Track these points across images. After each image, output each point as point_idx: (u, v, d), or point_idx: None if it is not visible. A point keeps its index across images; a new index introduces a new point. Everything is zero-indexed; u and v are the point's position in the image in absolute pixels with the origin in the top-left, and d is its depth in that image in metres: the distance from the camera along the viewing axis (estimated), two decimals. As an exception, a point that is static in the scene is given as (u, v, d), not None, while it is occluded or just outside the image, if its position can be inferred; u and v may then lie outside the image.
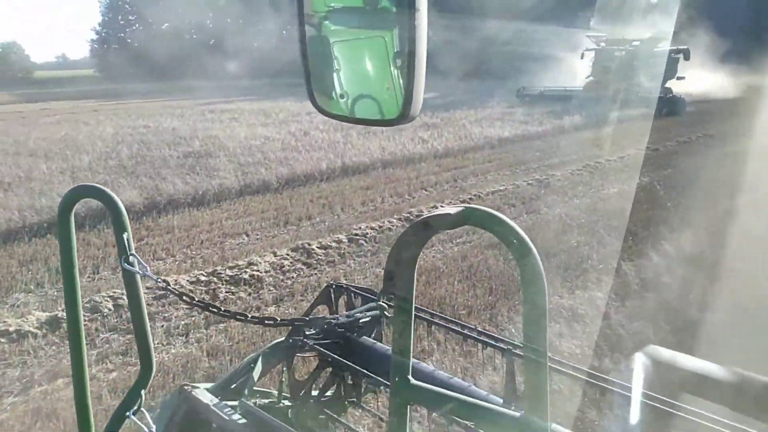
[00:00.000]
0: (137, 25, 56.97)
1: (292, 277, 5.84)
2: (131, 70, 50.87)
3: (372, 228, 7.29)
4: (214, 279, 5.73)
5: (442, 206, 8.30)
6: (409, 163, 11.72)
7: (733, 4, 40.35)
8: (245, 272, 5.83)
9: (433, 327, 1.86)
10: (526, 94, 22.63)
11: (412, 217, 7.77)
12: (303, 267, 6.08)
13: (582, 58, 23.23)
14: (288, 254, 6.33)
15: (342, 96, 1.18)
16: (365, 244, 6.82)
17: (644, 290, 4.88)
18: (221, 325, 4.92)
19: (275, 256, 6.29)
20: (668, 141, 13.82)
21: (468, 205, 0.82)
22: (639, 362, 1.02)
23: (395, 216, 7.85)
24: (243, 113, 21.03)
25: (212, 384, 1.75)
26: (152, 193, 8.68)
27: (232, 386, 1.72)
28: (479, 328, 1.77)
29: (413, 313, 0.87)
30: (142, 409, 1.46)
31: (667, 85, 21.14)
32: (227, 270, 5.89)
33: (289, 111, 21.37)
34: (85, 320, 4.21)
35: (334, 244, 6.69)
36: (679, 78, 21.83)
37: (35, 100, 32.82)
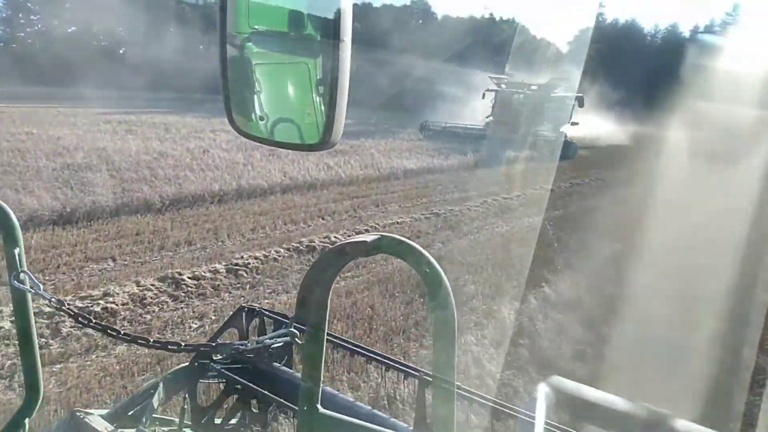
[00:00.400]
0: (39, 26, 53.07)
1: (153, 312, 5.24)
2: (30, 72, 47.46)
3: (256, 258, 6.82)
4: (60, 312, 5.01)
5: (337, 237, 7.98)
6: (311, 190, 11.36)
7: (636, 58, 43.93)
8: (98, 304, 5.17)
9: (345, 353, 1.89)
10: (430, 128, 22.95)
11: (302, 247, 7.38)
12: (168, 300, 5.49)
13: (483, 98, 23.90)
14: (153, 284, 5.72)
15: (262, 118, 1.16)
16: (245, 275, 6.34)
17: (519, 336, 4.76)
18: (56, 366, 4.27)
19: (138, 286, 5.66)
20: (563, 182, 14.38)
21: (383, 234, 0.83)
22: (542, 392, 1.03)
23: (284, 245, 7.43)
24: (142, 125, 19.86)
25: (107, 410, 1.63)
26: (13, 208, 7.68)
27: (130, 413, 1.62)
28: (389, 356, 1.79)
29: (325, 340, 0.85)
30: None
31: (562, 129, 22.12)
32: (78, 301, 5.20)
33: (193, 127, 20.46)
34: None
35: (209, 275, 6.15)
36: (573, 123, 22.91)
37: None
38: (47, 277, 5.95)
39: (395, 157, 15.84)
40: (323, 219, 9.28)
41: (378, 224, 8.96)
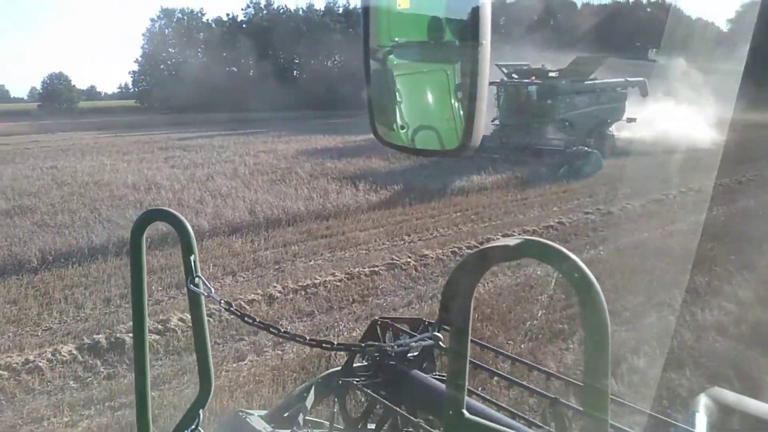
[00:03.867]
0: (179, 58, 56.83)
1: None
2: (170, 102, 51.07)
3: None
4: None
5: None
6: (219, 236, 9.50)
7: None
8: None
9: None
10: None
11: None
12: None
13: None
14: None
15: (403, 127, 1.19)
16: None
17: None
18: None
19: None
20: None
21: (528, 237, 0.79)
22: (702, 405, 1.03)
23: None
24: (197, 149, 20.32)
25: (266, 412, 1.69)
26: None
27: (285, 415, 1.66)
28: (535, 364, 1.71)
29: (469, 345, 0.83)
30: (199, 429, 1.40)
31: (611, 129, 17.06)
32: None
33: (245, 148, 20.29)
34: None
35: None
36: (629, 120, 17.80)
37: (47, 131, 32.42)
38: None
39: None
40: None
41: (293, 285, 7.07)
